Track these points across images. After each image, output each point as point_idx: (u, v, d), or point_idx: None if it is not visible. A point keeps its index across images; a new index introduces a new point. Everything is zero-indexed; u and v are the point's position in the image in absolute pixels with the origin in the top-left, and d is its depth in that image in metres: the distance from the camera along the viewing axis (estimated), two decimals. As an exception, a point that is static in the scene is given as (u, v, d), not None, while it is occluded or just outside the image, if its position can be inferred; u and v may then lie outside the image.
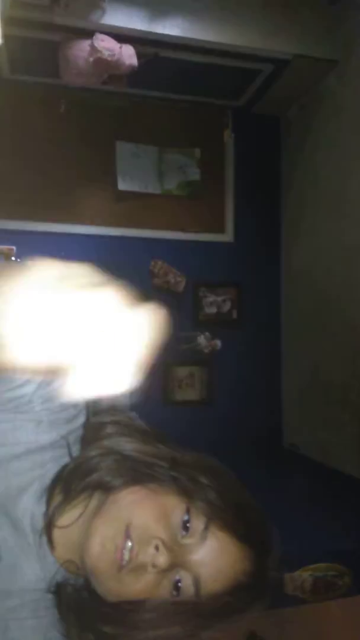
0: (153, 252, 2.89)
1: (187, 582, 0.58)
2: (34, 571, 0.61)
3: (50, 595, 0.60)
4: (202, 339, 2.84)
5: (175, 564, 0.57)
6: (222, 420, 2.90)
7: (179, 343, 2.90)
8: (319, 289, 2.73)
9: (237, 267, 3.05)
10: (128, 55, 2.19)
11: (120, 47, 2.16)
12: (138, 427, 0.70)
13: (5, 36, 1.91)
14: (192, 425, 2.74)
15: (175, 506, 0.60)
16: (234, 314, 3.03)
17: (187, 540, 0.59)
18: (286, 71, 2.60)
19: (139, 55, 2.22)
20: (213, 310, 2.99)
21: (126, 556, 0.56)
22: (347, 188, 2.49)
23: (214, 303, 2.99)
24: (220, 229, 3.06)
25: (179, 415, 2.81)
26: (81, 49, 2.21)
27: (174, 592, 0.58)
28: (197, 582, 0.58)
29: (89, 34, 2.17)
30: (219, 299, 3.00)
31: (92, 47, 2.14)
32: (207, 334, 2.86)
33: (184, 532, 0.59)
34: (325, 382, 2.65)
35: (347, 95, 2.50)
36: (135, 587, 0.56)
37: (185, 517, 0.59)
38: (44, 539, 0.62)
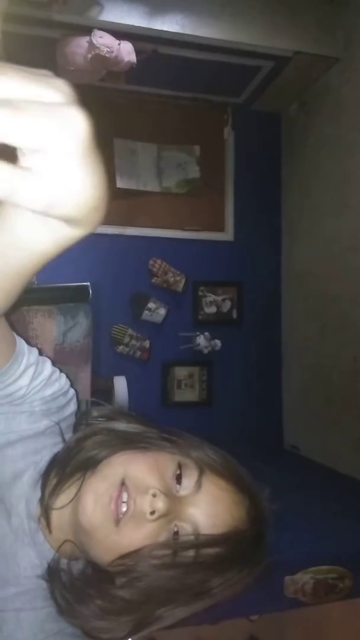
0: (152, 251, 2.87)
1: (186, 532, 0.58)
2: (29, 558, 0.62)
3: (46, 585, 0.60)
4: (201, 339, 2.82)
5: (173, 515, 0.57)
6: (222, 421, 2.88)
7: (179, 343, 2.89)
8: (319, 288, 2.72)
9: (237, 266, 3.03)
10: (127, 51, 2.17)
11: (119, 44, 2.14)
12: (124, 412, 0.72)
13: (2, 33, 1.89)
14: (192, 427, 2.69)
15: (168, 460, 0.61)
16: (234, 314, 3.01)
17: (183, 492, 0.60)
18: (287, 68, 2.59)
19: (138, 52, 2.20)
20: (213, 309, 2.97)
21: (123, 507, 0.56)
22: (348, 186, 2.47)
23: (213, 302, 2.97)
24: (220, 228, 3.04)
25: (178, 417, 2.79)
26: (79, 46, 2.19)
27: (174, 541, 0.58)
28: (196, 531, 0.58)
29: (87, 30, 2.15)
30: (219, 298, 2.99)
31: (90, 43, 2.12)
32: (206, 334, 2.85)
33: (178, 485, 0.60)
34: (326, 382, 2.64)
35: (348, 92, 2.49)
36: (135, 537, 0.56)
37: (178, 472, 0.60)
38: (40, 525, 0.63)
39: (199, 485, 0.60)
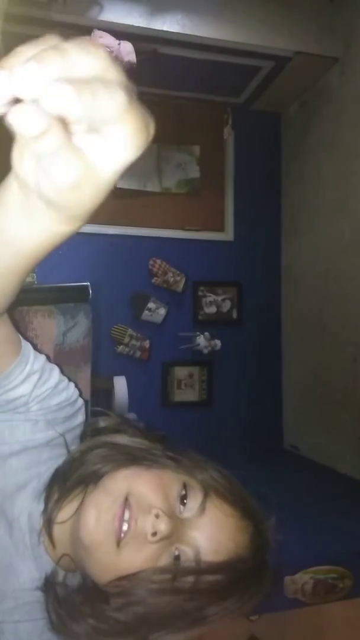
0: (152, 251, 2.87)
1: (187, 556, 0.56)
2: (30, 571, 0.61)
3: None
4: (201, 339, 2.82)
5: (175, 537, 0.55)
6: (222, 422, 2.88)
7: (179, 343, 2.89)
8: (319, 288, 2.72)
9: (237, 266, 3.03)
10: (126, 51, 2.16)
11: (119, 44, 2.14)
12: (129, 423, 0.70)
13: (2, 33, 1.89)
14: (192, 427, 2.73)
15: (172, 480, 0.59)
16: (234, 314, 3.01)
17: (186, 514, 0.58)
18: (286, 68, 2.59)
19: (138, 52, 2.19)
20: (213, 309, 2.97)
21: (125, 526, 0.54)
22: (348, 186, 2.47)
23: (213, 302, 2.97)
24: (220, 228, 3.04)
25: (178, 417, 2.79)
26: (79, 46, 2.18)
27: (174, 566, 0.56)
28: (197, 556, 0.56)
29: (87, 30, 2.14)
30: (219, 298, 2.99)
31: (90, 43, 2.11)
32: (206, 333, 2.85)
33: (182, 506, 0.58)
34: (326, 382, 2.64)
35: (348, 92, 2.49)
36: (135, 560, 0.54)
37: (183, 492, 0.59)
38: (42, 538, 0.61)
39: (203, 508, 0.58)
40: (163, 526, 0.54)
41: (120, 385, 2.44)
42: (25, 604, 0.59)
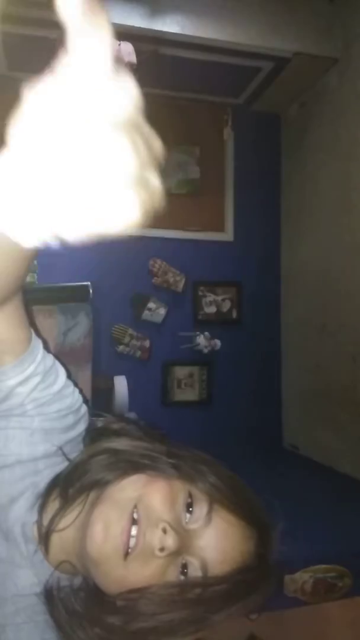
0: (152, 251, 2.87)
1: (194, 567, 0.57)
2: (28, 577, 0.61)
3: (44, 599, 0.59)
4: (201, 339, 2.83)
5: (182, 549, 0.56)
6: (222, 421, 2.88)
7: (179, 343, 2.89)
8: (319, 288, 2.72)
9: (237, 266, 3.04)
10: (127, 52, 2.16)
11: (119, 44, 2.14)
12: (132, 428, 0.69)
13: (2, 33, 1.89)
14: (192, 426, 2.73)
15: (178, 490, 0.59)
16: (234, 314, 3.01)
17: (192, 525, 0.58)
18: (286, 69, 2.59)
19: (138, 53, 2.20)
20: (212, 309, 2.98)
21: (132, 542, 0.54)
22: (348, 186, 2.47)
23: (213, 302, 2.98)
24: (220, 228, 3.04)
25: (178, 416, 2.80)
26: (79, 46, 2.18)
27: (181, 577, 0.56)
28: (204, 567, 0.57)
29: (87, 31, 2.15)
30: (219, 298, 2.99)
31: (91, 44, 2.12)
32: (206, 333, 2.85)
33: (187, 516, 0.58)
34: (326, 382, 2.64)
35: (348, 93, 2.49)
36: (142, 574, 0.55)
37: (189, 500, 0.59)
38: (39, 545, 0.61)
39: (209, 518, 0.58)
40: (170, 541, 0.54)
41: (120, 384, 2.45)
42: (26, 607, 0.60)
